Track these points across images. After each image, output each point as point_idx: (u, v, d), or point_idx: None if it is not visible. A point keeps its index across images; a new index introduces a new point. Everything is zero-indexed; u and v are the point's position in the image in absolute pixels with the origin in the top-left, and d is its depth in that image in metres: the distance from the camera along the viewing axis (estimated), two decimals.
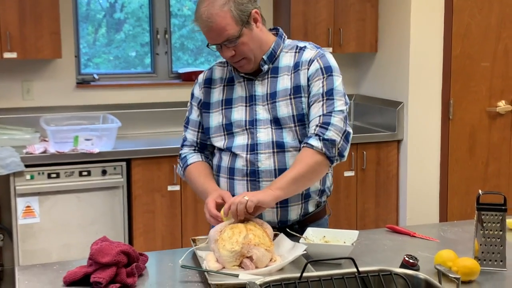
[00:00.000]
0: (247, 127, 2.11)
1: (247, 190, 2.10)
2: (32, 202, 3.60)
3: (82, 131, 3.75)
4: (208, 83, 2.21)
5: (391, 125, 4.35)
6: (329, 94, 2.04)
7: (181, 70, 4.59)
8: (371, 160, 4.29)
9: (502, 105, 4.41)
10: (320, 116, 2.03)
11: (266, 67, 2.10)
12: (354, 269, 1.55)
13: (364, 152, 4.25)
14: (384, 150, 4.32)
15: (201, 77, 2.24)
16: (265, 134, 2.09)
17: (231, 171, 2.13)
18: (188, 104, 2.26)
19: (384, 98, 4.51)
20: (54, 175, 3.63)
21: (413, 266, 1.75)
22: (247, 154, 2.10)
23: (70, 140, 3.70)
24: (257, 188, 2.09)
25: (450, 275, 1.46)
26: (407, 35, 4.24)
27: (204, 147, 2.25)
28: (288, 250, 1.88)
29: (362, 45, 4.48)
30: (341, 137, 2.03)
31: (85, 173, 3.70)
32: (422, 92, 4.28)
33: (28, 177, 3.57)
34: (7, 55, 3.73)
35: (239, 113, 2.12)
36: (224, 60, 2.18)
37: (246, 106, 2.12)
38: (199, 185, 2.16)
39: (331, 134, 2.01)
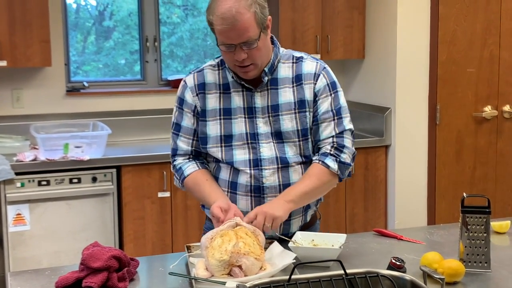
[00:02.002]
0: (249, 141, 2.08)
1: (251, 206, 2.09)
2: (22, 210, 3.61)
3: (72, 139, 3.76)
4: (202, 89, 2.12)
5: (379, 131, 4.40)
6: (338, 113, 2.10)
7: (170, 77, 4.62)
8: (360, 165, 4.34)
9: (488, 110, 4.47)
10: (333, 137, 2.09)
11: (266, 78, 2.07)
12: (342, 271, 1.58)
13: None
14: (373, 155, 4.37)
15: (191, 81, 2.14)
16: (268, 149, 2.08)
17: (233, 186, 2.10)
18: (175, 109, 2.17)
19: (371, 104, 4.55)
20: (44, 183, 3.64)
21: (400, 268, 1.78)
22: (250, 169, 2.07)
23: (60, 148, 3.72)
24: (261, 204, 2.07)
25: (435, 275, 1.50)
26: (394, 42, 4.29)
27: (199, 155, 2.18)
28: (277, 257, 1.87)
29: (350, 52, 4.53)
30: (352, 160, 2.14)
31: (75, 180, 3.71)
32: (409, 98, 4.33)
33: (18, 184, 3.58)
34: None
35: (239, 126, 2.08)
36: (215, 63, 2.14)
37: (245, 118, 2.08)
38: (205, 195, 2.09)
39: (345, 156, 2.10)
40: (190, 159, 2.17)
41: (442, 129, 4.41)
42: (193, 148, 2.16)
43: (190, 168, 2.14)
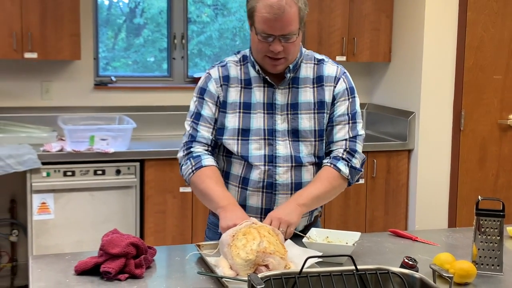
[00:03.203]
0: (266, 137, 2.11)
1: (262, 202, 2.12)
2: (47, 199, 3.70)
3: (98, 131, 3.84)
4: (226, 81, 2.14)
5: (402, 135, 4.40)
6: (353, 118, 2.16)
7: (196, 75, 4.67)
8: (382, 169, 4.34)
9: None
10: (346, 140, 2.14)
11: (289, 75, 2.11)
12: (353, 267, 1.61)
13: (375, 161, 4.30)
14: (395, 159, 4.37)
15: (216, 73, 2.15)
16: (283, 147, 2.11)
17: (245, 181, 2.12)
18: (195, 99, 2.17)
19: (396, 107, 4.55)
20: (69, 173, 3.72)
21: (412, 267, 1.79)
22: (265, 165, 2.10)
23: (86, 140, 3.80)
24: (273, 201, 2.11)
25: (443, 274, 1.52)
26: (420, 46, 4.29)
27: (215, 147, 2.17)
28: (297, 255, 1.86)
29: (376, 55, 4.54)
30: (361, 165, 2.18)
31: (99, 172, 3.79)
32: (434, 103, 4.33)
33: (44, 174, 3.67)
34: (27, 55, 3.84)
35: (258, 121, 2.11)
36: (237, 58, 2.17)
37: (264, 113, 2.11)
38: (217, 194, 2.05)
39: (356, 162, 2.15)
40: (208, 152, 2.14)
41: (466, 135, 4.39)
42: (213, 137, 2.14)
43: (209, 160, 2.11)
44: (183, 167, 2.15)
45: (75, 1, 3.90)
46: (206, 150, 2.14)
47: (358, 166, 2.16)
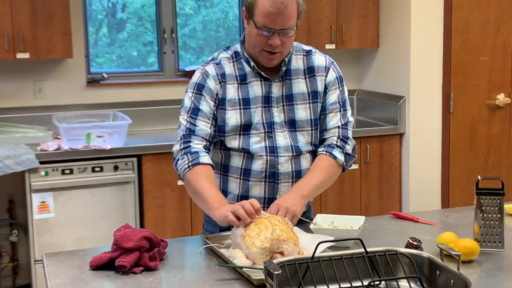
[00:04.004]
0: (266, 130, 2.15)
1: (265, 192, 2.17)
2: (47, 198, 3.72)
3: (94, 129, 3.86)
4: (224, 78, 2.15)
5: (393, 119, 4.47)
6: (344, 105, 2.25)
7: (187, 68, 4.70)
8: (374, 153, 4.41)
9: (501, 98, 4.53)
10: (339, 127, 2.22)
11: (284, 68, 2.16)
12: (362, 250, 1.67)
13: (368, 146, 4.37)
14: (387, 143, 4.44)
15: (213, 70, 2.16)
16: (283, 138, 2.16)
17: (246, 172, 2.16)
18: (190, 94, 2.16)
19: (386, 92, 4.62)
20: (67, 171, 3.75)
21: (417, 248, 1.85)
22: (266, 156, 2.14)
23: (82, 137, 3.82)
24: (275, 190, 2.17)
25: (451, 252, 1.58)
26: (407, 31, 4.35)
27: (212, 142, 2.17)
28: (307, 241, 1.90)
29: (364, 41, 4.59)
30: (353, 151, 2.26)
31: (97, 169, 3.81)
32: (423, 86, 4.40)
33: (42, 173, 3.69)
34: (20, 55, 3.85)
35: (258, 115, 2.15)
36: (228, 55, 2.19)
37: (262, 107, 2.16)
38: (211, 194, 2.04)
39: (349, 148, 2.23)
40: (206, 148, 2.13)
41: (455, 117, 4.47)
42: (211, 132, 2.14)
43: (206, 158, 2.10)
44: (179, 161, 2.12)
45: (64, 0, 3.91)
46: (204, 147, 2.13)
47: (351, 152, 2.24)
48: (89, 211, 3.82)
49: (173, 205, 3.99)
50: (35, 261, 3.74)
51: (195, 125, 2.12)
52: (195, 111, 2.13)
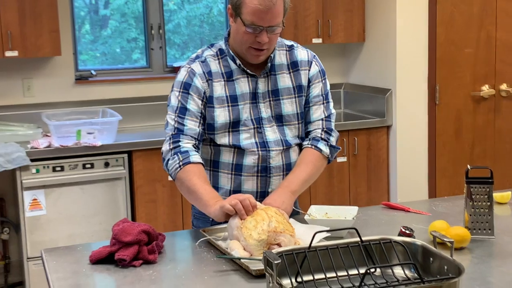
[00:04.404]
0: (255, 126, 2.18)
1: (257, 186, 2.21)
2: (38, 195, 3.73)
3: (84, 125, 3.88)
4: (210, 76, 2.17)
5: (380, 112, 4.52)
6: (326, 98, 2.30)
7: (175, 64, 4.72)
8: (362, 146, 4.47)
9: (485, 89, 4.60)
10: (322, 119, 2.27)
11: (269, 64, 2.20)
12: (357, 239, 1.71)
13: (356, 138, 4.42)
14: (374, 135, 4.49)
15: (199, 69, 2.16)
16: (272, 132, 2.20)
17: (238, 168, 2.19)
18: (177, 93, 2.16)
19: (372, 85, 4.68)
20: (58, 168, 3.76)
21: (410, 236, 1.90)
22: (258, 151, 2.18)
23: (72, 135, 3.83)
24: (267, 183, 2.21)
25: (445, 239, 1.62)
26: (393, 25, 4.40)
27: (201, 140, 2.18)
28: (303, 232, 1.94)
29: (350, 36, 4.64)
30: (337, 142, 2.31)
31: (88, 165, 3.83)
32: (409, 79, 4.45)
33: (33, 171, 3.70)
34: (8, 53, 3.85)
35: (246, 112, 2.17)
36: (213, 52, 2.20)
37: (250, 103, 2.19)
38: (205, 191, 2.05)
39: (333, 140, 2.28)
40: (195, 147, 2.14)
41: (441, 108, 4.54)
42: (200, 130, 2.15)
43: (197, 157, 2.11)
44: (169, 162, 2.13)
45: None
46: (194, 145, 2.14)
47: (335, 143, 2.29)
48: (80, 207, 3.83)
49: (164, 201, 4.02)
50: (28, 258, 3.75)
51: (184, 125, 2.13)
52: (182, 111, 2.14)
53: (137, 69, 4.71)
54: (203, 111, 2.16)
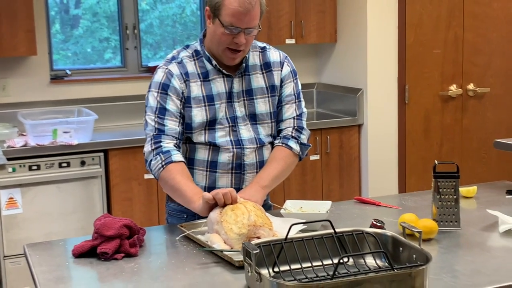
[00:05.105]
0: (230, 124, 2.25)
1: (231, 183, 2.27)
2: (14, 194, 3.75)
3: (60, 124, 3.90)
4: (187, 77, 2.22)
5: (352, 111, 4.63)
6: (298, 97, 2.38)
7: (150, 64, 4.77)
8: (335, 144, 4.57)
9: (453, 89, 4.74)
10: (294, 118, 2.35)
11: (244, 65, 2.27)
12: (331, 231, 1.80)
13: (328, 137, 4.52)
14: (346, 134, 4.60)
15: (176, 70, 2.21)
16: (246, 131, 2.28)
17: (213, 165, 2.26)
18: (156, 94, 2.20)
19: (344, 85, 4.78)
20: (35, 167, 3.79)
21: (380, 228, 1.99)
22: (233, 148, 2.25)
23: (48, 134, 3.85)
24: (241, 180, 2.28)
25: (413, 229, 1.72)
26: (364, 26, 4.51)
27: (181, 141, 2.24)
28: (279, 225, 2.01)
29: (323, 36, 4.74)
30: (308, 140, 2.39)
31: (64, 164, 3.86)
32: (379, 79, 4.57)
33: (10, 169, 3.72)
34: None
35: (222, 111, 2.24)
36: (189, 53, 2.26)
37: (225, 103, 2.26)
38: (189, 188, 2.12)
39: (304, 137, 2.36)
40: (177, 146, 2.20)
41: (411, 108, 4.66)
42: (181, 130, 2.21)
43: (178, 156, 2.17)
44: (152, 162, 2.18)
45: None
46: (175, 145, 2.19)
47: (306, 141, 2.37)
48: (57, 206, 3.86)
49: (140, 199, 4.07)
50: (4, 256, 3.77)
51: (164, 125, 2.19)
52: (162, 111, 2.19)
53: (112, 68, 4.75)
54: (182, 111, 2.21)
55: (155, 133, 2.19)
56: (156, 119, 2.20)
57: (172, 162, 2.15)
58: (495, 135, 4.02)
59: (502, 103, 4.89)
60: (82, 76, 4.59)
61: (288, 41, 4.57)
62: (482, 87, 4.79)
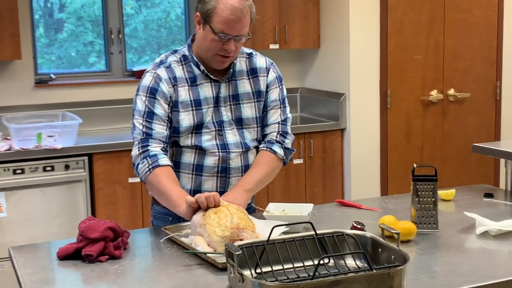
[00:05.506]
0: (216, 128, 2.29)
1: (217, 186, 2.31)
2: None
3: (45, 128, 3.91)
4: (175, 81, 2.26)
5: (334, 115, 4.69)
6: (283, 102, 2.43)
7: (135, 68, 4.79)
8: (318, 148, 4.62)
9: (434, 94, 4.81)
10: (278, 123, 2.40)
11: (231, 70, 2.31)
12: (313, 233, 1.84)
13: (311, 141, 4.57)
14: (329, 138, 4.65)
15: (165, 74, 2.25)
16: (232, 135, 2.32)
17: (199, 168, 2.29)
18: (144, 98, 2.24)
19: (327, 90, 4.84)
20: (19, 171, 3.79)
21: (361, 230, 2.04)
22: (219, 152, 2.29)
23: (32, 138, 3.86)
24: (227, 184, 2.32)
25: (392, 231, 1.76)
26: (347, 32, 4.57)
27: (168, 144, 2.27)
28: (262, 227, 2.05)
29: (306, 42, 4.80)
30: (292, 144, 2.44)
31: (49, 168, 3.87)
32: (362, 84, 4.63)
33: None
34: None
35: (209, 115, 2.28)
36: (177, 58, 2.30)
37: (213, 107, 2.29)
38: (175, 192, 2.15)
39: (288, 142, 2.41)
40: (164, 150, 2.23)
41: (392, 112, 4.73)
42: (168, 134, 2.24)
43: (165, 159, 2.21)
44: (139, 166, 2.22)
45: (13, 2, 3.94)
46: (162, 149, 2.23)
47: (290, 146, 2.42)
48: (41, 210, 3.87)
49: (125, 202, 4.08)
50: None
51: (152, 129, 2.22)
52: (150, 115, 2.23)
53: (96, 73, 4.77)
54: (169, 115, 2.25)
55: (142, 137, 2.23)
56: (144, 123, 2.23)
57: (159, 166, 2.19)
58: (475, 140, 4.10)
59: (482, 108, 4.97)
60: (67, 80, 4.60)
61: (272, 46, 4.62)
62: (462, 92, 4.87)
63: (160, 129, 2.23)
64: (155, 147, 2.22)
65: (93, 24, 4.79)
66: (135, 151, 2.25)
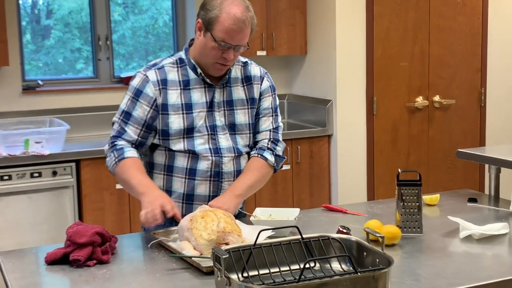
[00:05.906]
0: (209, 132, 2.32)
1: (210, 190, 2.34)
2: None
3: (32, 135, 3.91)
4: (165, 84, 2.28)
5: (321, 122, 4.72)
6: (275, 111, 2.48)
7: (123, 75, 4.80)
8: (305, 154, 4.65)
9: (419, 100, 4.87)
10: (270, 130, 2.44)
11: (227, 77, 2.35)
12: (299, 237, 1.86)
13: (299, 147, 4.60)
14: (316, 144, 4.69)
15: (153, 76, 2.28)
16: (225, 140, 2.35)
17: (192, 172, 2.32)
18: (128, 97, 2.29)
19: (314, 96, 4.87)
20: (6, 177, 3.79)
21: (346, 234, 2.07)
22: (212, 156, 2.32)
23: (20, 144, 3.86)
24: (219, 188, 2.35)
25: (376, 234, 1.79)
26: (333, 39, 4.61)
27: (141, 146, 2.32)
28: (248, 232, 2.08)
29: (293, 48, 4.83)
30: (283, 152, 2.48)
31: (36, 174, 3.87)
32: (348, 91, 4.67)
33: None
34: None
35: (201, 119, 2.31)
36: (173, 60, 2.33)
37: (206, 111, 2.32)
38: (137, 181, 2.22)
39: (279, 149, 2.45)
40: (132, 147, 2.30)
41: (378, 119, 4.77)
42: (140, 138, 2.30)
43: (131, 152, 2.27)
44: (107, 159, 2.33)
45: (0, 8, 3.94)
46: (130, 146, 2.30)
47: (281, 153, 2.45)
48: (28, 216, 3.86)
49: (112, 209, 4.09)
50: None
51: (124, 130, 2.30)
52: (127, 116, 2.30)
53: (84, 79, 4.77)
54: (147, 118, 2.28)
55: (114, 134, 2.33)
56: (120, 122, 2.32)
57: (124, 158, 2.26)
58: (460, 145, 4.15)
59: (467, 114, 5.03)
60: (54, 86, 4.61)
61: (259, 53, 4.66)
62: (447, 98, 4.92)
63: (132, 132, 2.29)
64: (122, 144, 2.30)
65: (81, 30, 4.80)
66: (106, 146, 2.36)
